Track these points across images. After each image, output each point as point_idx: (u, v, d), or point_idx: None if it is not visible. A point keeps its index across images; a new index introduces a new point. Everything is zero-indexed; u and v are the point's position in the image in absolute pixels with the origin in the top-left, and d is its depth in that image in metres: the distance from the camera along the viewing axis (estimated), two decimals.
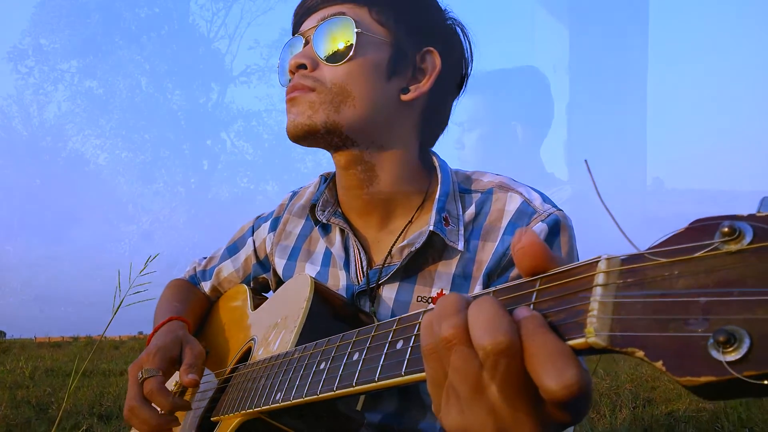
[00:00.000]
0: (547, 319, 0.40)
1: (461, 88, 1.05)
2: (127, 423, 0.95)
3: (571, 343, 0.38)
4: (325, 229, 1.07)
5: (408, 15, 0.96)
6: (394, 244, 0.99)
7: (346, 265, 1.03)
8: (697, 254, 0.34)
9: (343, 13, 0.93)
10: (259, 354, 0.90)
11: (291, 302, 0.92)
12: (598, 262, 0.39)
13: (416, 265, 0.96)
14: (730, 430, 2.82)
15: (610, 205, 0.41)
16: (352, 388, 0.57)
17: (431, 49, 0.97)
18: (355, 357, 0.59)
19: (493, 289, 0.47)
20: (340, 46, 0.92)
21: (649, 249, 0.37)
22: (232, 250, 1.27)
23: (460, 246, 0.93)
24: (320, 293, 0.90)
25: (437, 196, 0.96)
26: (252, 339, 1.00)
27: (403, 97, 0.95)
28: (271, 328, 0.93)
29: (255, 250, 1.23)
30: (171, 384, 1.04)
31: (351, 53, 0.91)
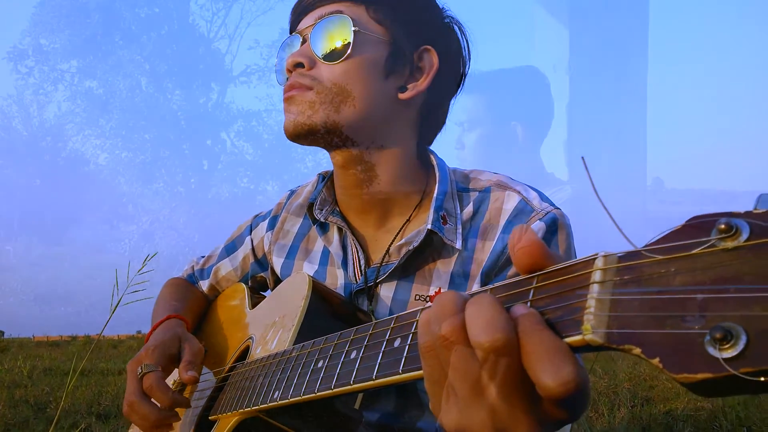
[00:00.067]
0: (544, 317, 0.40)
1: (459, 87, 1.05)
2: (126, 418, 0.94)
3: (568, 340, 0.38)
4: (323, 227, 1.07)
5: (405, 13, 0.95)
6: (392, 243, 0.99)
7: (344, 263, 1.03)
8: (693, 251, 0.34)
9: (341, 12, 0.93)
10: (257, 353, 0.90)
11: (289, 301, 0.91)
12: (595, 259, 0.39)
13: (414, 263, 0.96)
14: (728, 428, 2.82)
15: (609, 205, 0.41)
16: (349, 386, 0.57)
17: (429, 47, 0.96)
18: (353, 355, 0.59)
19: (490, 286, 0.47)
20: (338, 44, 0.92)
21: (646, 246, 0.37)
22: (230, 248, 1.27)
23: (458, 244, 0.93)
24: (318, 292, 0.89)
25: (435, 195, 0.95)
26: (250, 337, 1.00)
27: (401, 96, 0.95)
28: (269, 326, 0.93)
29: (253, 249, 1.23)
30: (169, 382, 1.04)
31: (348, 52, 0.91)
